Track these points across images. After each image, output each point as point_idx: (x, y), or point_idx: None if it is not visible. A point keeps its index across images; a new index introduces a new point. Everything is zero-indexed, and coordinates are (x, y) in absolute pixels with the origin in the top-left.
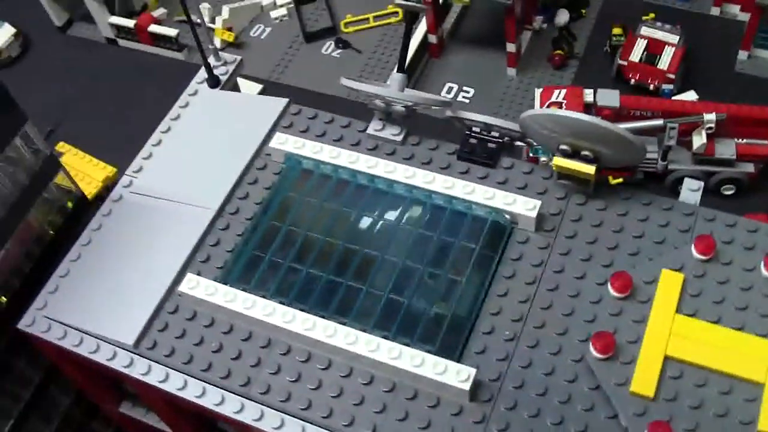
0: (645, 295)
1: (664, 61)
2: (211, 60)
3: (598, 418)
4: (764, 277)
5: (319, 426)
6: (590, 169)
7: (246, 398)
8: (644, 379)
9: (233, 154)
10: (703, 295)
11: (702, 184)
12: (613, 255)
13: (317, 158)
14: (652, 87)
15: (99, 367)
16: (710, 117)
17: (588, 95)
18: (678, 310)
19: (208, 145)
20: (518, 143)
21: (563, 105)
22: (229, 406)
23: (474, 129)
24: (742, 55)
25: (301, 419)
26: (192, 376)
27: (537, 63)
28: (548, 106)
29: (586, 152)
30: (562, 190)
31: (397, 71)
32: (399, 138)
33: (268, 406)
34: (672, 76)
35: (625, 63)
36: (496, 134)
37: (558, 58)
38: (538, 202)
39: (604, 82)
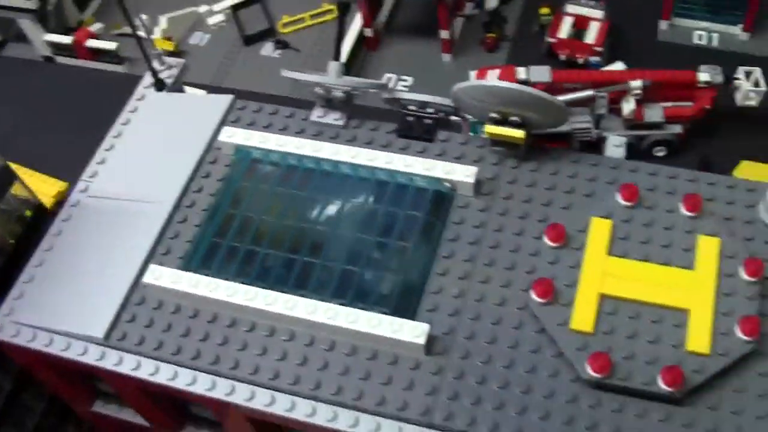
0: (578, 243)
1: (591, 36)
2: (156, 65)
3: (544, 357)
4: (684, 216)
5: (288, 393)
6: (519, 133)
7: (216, 375)
8: (583, 317)
9: (185, 151)
10: (630, 237)
11: (624, 139)
12: (547, 211)
13: (265, 147)
14: (581, 61)
15: (71, 365)
16: (636, 84)
17: (521, 73)
18: (609, 253)
19: (159, 145)
20: (453, 118)
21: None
22: (201, 385)
23: (410, 108)
24: (663, 24)
25: (270, 389)
26: (163, 361)
27: (471, 47)
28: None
29: (514, 117)
30: (497, 157)
31: (334, 59)
32: (341, 122)
33: (238, 381)
34: (599, 49)
35: (555, 40)
36: (432, 111)
37: (490, 41)
38: (475, 169)
39: (536, 60)
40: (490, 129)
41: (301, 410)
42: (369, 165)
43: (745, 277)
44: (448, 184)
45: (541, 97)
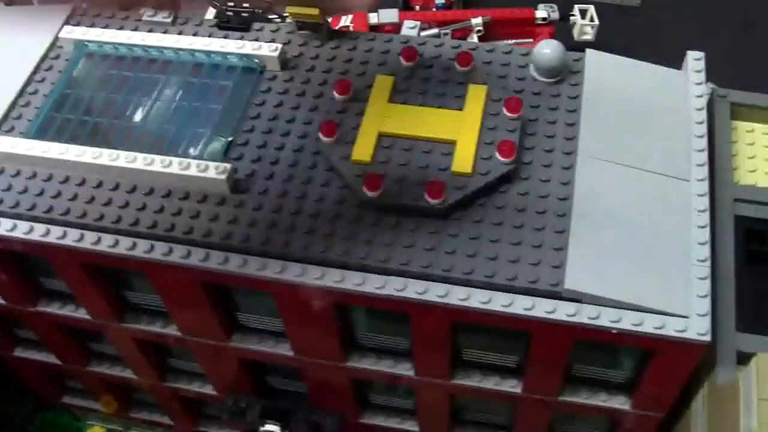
0: (364, 96)
1: None
2: None
3: (332, 189)
4: (458, 71)
5: (111, 232)
6: (314, 11)
7: (64, 225)
8: (362, 150)
9: (30, 50)
10: (410, 89)
11: (418, 23)
12: (345, 77)
13: (99, 40)
14: (434, 9)
15: None
16: (477, 21)
17: (372, 18)
18: (390, 101)
19: (7, 47)
20: (271, 16)
21: (350, 27)
22: (53, 234)
23: (229, 4)
24: None
25: (96, 230)
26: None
27: None
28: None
29: None
30: (303, 39)
31: None
32: (169, 20)
33: (72, 227)
34: None
35: None
36: (247, 6)
37: None
38: (279, 45)
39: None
40: (291, 9)
41: (123, 245)
42: (189, 48)
43: (507, 113)
44: (256, 60)
45: None
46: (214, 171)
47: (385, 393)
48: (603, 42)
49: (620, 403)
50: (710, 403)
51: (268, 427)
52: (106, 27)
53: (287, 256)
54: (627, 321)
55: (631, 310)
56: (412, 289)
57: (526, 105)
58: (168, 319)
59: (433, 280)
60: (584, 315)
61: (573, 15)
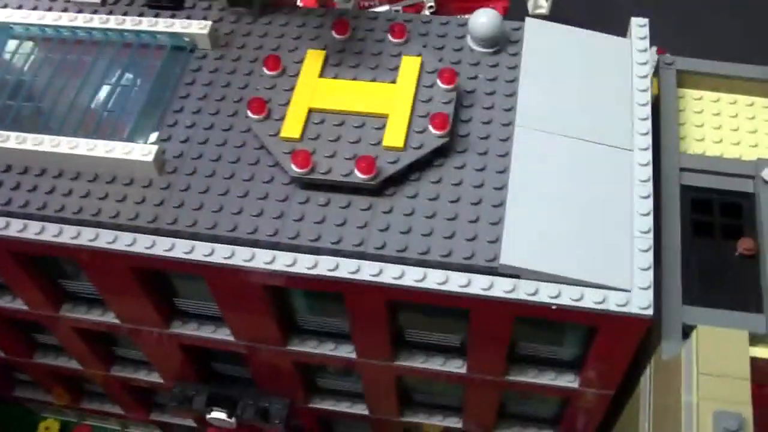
0: (294, 71)
1: None
2: None
3: (262, 167)
4: (391, 43)
5: (37, 219)
6: None
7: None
8: (291, 127)
9: None
10: (342, 63)
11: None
12: (276, 53)
13: (25, 22)
14: None
15: None
16: None
17: None
18: (320, 76)
19: None
20: None
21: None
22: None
23: None
24: None
25: (21, 217)
26: None
27: None
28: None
29: None
30: (235, 16)
31: None
32: (98, 0)
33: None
34: None
35: None
36: None
37: None
38: (209, 23)
39: None
40: None
41: (49, 231)
42: (118, 28)
43: (441, 85)
44: (187, 39)
45: None
46: (140, 153)
47: (334, 377)
48: (559, 15)
49: (568, 381)
50: (656, 378)
51: (214, 414)
52: (34, 9)
53: (216, 238)
54: (566, 296)
55: (572, 285)
56: (345, 269)
57: (462, 76)
58: (106, 307)
59: (366, 259)
60: (522, 291)
61: None
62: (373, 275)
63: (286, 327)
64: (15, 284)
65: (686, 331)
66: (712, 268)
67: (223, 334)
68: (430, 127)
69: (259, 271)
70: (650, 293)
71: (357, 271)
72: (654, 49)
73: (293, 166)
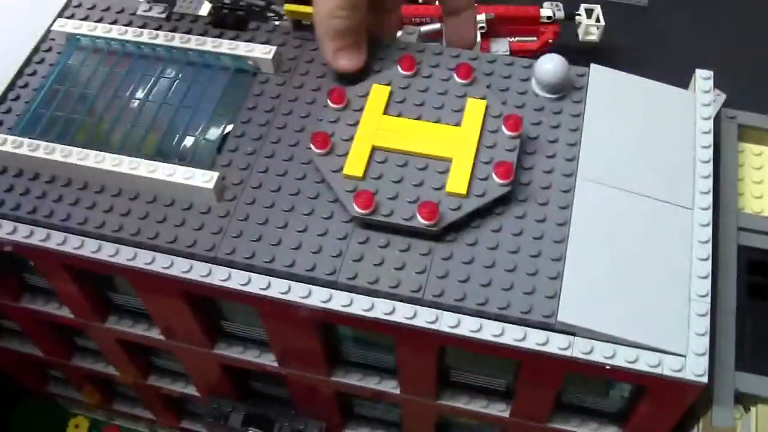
0: (359, 105)
1: None
2: None
3: (322, 202)
4: (457, 83)
5: (94, 237)
6: (312, 9)
7: (46, 227)
8: (354, 164)
9: (20, 41)
10: (406, 101)
11: (418, 29)
12: (338, 84)
13: (92, 35)
14: (437, 2)
15: None
16: (480, 17)
17: None
18: (385, 113)
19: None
20: (269, 13)
21: None
22: (37, 237)
23: (225, 2)
24: None
25: (80, 234)
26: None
27: None
28: None
29: None
30: (299, 41)
31: None
32: (163, 15)
33: (54, 229)
34: None
35: None
36: (243, 4)
37: None
38: (274, 48)
39: None
40: (288, 6)
41: (105, 251)
42: (182, 47)
43: (506, 131)
44: (251, 62)
45: None
46: (201, 179)
47: (371, 404)
48: (608, 42)
49: None
50: None
51: None
52: (100, 21)
53: (272, 272)
54: (621, 357)
55: (627, 346)
56: (401, 314)
57: (526, 122)
58: (151, 322)
59: (422, 305)
60: (577, 349)
61: (579, 14)
62: (430, 322)
63: (332, 358)
64: (66, 295)
65: (737, 397)
66: (766, 332)
67: (268, 360)
68: (494, 175)
69: (314, 309)
70: (705, 359)
71: (413, 317)
72: (722, 97)
73: (356, 207)
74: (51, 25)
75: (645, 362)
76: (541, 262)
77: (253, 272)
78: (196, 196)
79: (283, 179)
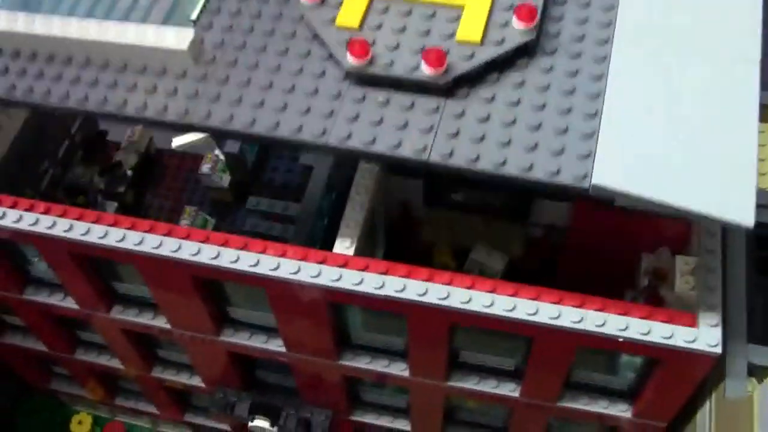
0: None
1: None
2: None
3: (312, 60)
4: None
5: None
6: None
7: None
8: (349, 14)
9: None
10: None
11: None
12: None
13: None
14: None
15: None
16: None
17: None
18: None
19: None
20: None
21: None
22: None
23: None
24: None
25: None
26: None
27: None
28: None
29: None
30: None
31: None
32: None
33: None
34: None
35: None
36: None
37: None
38: None
39: None
40: None
41: (112, 237)
42: None
43: None
44: None
45: None
46: (174, 39)
47: (378, 391)
48: None
49: (621, 410)
50: (718, 416)
51: (258, 422)
52: None
53: (252, 137)
54: (634, 330)
55: (677, 213)
56: (413, 291)
57: None
58: (157, 310)
59: (429, 167)
60: (590, 322)
61: None
62: (441, 299)
63: (340, 341)
64: (71, 284)
65: (750, 370)
66: None
67: (275, 346)
68: (514, 20)
69: (323, 288)
70: (719, 331)
71: (425, 293)
72: None
73: (349, 57)
74: None
75: (658, 334)
76: (573, 119)
77: (231, 138)
78: (170, 60)
79: (270, 38)
